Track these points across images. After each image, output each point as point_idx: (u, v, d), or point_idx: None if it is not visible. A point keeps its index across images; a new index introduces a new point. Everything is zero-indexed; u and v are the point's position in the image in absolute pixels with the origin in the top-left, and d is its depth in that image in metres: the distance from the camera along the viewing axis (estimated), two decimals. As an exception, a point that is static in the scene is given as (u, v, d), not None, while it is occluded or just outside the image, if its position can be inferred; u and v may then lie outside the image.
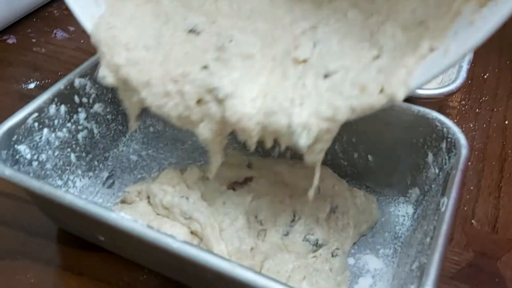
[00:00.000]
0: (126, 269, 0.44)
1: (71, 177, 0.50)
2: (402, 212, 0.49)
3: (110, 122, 0.54)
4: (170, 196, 0.45)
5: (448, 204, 0.37)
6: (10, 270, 0.45)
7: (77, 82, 0.49)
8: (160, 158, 0.56)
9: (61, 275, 0.45)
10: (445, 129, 0.43)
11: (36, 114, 0.45)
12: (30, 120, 0.45)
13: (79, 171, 0.51)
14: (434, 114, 0.44)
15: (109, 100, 0.54)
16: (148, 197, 0.47)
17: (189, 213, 0.44)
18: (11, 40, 0.75)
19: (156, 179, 0.48)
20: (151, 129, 0.59)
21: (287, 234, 0.43)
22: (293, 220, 0.43)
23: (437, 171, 0.44)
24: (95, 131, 0.52)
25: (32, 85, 0.67)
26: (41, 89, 0.66)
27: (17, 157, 0.44)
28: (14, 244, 0.47)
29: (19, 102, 0.63)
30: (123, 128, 0.56)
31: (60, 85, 0.48)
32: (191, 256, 0.34)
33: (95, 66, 0.50)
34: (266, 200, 0.44)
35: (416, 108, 0.45)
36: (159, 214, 0.46)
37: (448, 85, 0.50)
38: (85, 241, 0.46)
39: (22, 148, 0.45)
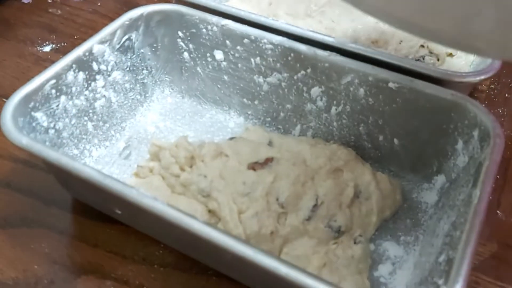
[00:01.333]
0: (141, 244, 0.44)
1: (88, 146, 0.49)
2: (426, 199, 0.47)
3: (128, 91, 0.53)
4: (187, 173, 0.44)
5: (481, 197, 0.35)
6: (25, 238, 0.44)
7: (96, 48, 0.47)
8: (178, 131, 0.54)
9: (75, 246, 0.44)
10: (479, 117, 0.41)
11: (54, 81, 0.44)
12: (47, 87, 0.44)
13: (96, 140, 0.50)
14: (469, 100, 0.42)
15: (128, 69, 0.52)
16: (162, 170, 0.46)
17: (207, 191, 0.43)
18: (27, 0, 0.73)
19: (167, 150, 0.46)
20: (169, 99, 0.57)
21: (308, 219, 0.41)
22: (315, 205, 0.42)
23: (466, 159, 0.42)
24: (113, 99, 0.51)
25: (47, 48, 0.65)
26: (57, 52, 0.64)
27: (33, 124, 0.43)
28: (30, 212, 0.46)
29: (34, 65, 0.62)
30: (141, 98, 0.55)
31: (79, 51, 0.46)
32: (212, 238, 0.33)
33: (114, 32, 0.49)
34: (287, 182, 0.43)
35: (449, 92, 0.43)
36: (174, 191, 0.44)
37: (481, 69, 0.48)
38: (100, 213, 0.45)
39: (39, 115, 0.43)
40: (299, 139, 0.49)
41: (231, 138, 0.49)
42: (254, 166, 0.44)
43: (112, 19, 0.50)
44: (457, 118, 0.43)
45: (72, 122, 0.47)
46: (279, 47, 0.48)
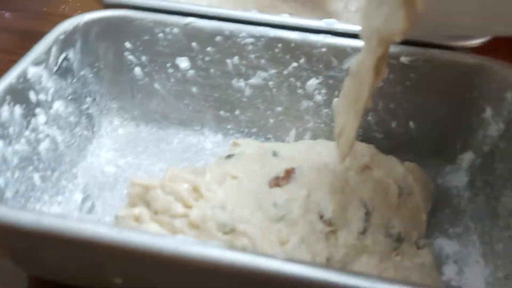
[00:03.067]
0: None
1: (38, 206, 0.36)
2: (454, 182, 0.42)
3: (74, 126, 0.41)
4: (198, 208, 0.34)
5: None
6: None
7: (31, 72, 0.35)
8: (145, 165, 0.43)
9: None
10: (510, 76, 0.37)
11: (-16, 121, 0.31)
12: (-23, 131, 0.31)
13: (46, 197, 0.37)
14: (493, 60, 0.38)
15: (70, 97, 0.40)
16: (155, 215, 0.35)
17: (230, 225, 0.33)
18: None
19: (159, 188, 0.36)
20: (121, 131, 0.46)
21: (364, 232, 0.33)
22: (367, 213, 0.34)
23: (502, 126, 0.38)
24: (59, 139, 0.39)
25: None
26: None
27: (-34, 186, 0.29)
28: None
29: None
30: (89, 133, 0.43)
31: (11, 77, 0.34)
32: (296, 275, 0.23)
33: (49, 50, 0.37)
34: (325, 192, 0.34)
35: (469, 56, 0.38)
36: (179, 235, 0.34)
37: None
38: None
39: (-28, 171, 0.30)
40: (306, 144, 0.41)
41: (229, 156, 0.39)
42: (277, 182, 0.35)
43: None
44: (481, 83, 0.39)
45: (15, 176, 0.34)
46: (262, 39, 0.40)
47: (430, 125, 0.41)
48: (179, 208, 0.34)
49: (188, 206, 0.34)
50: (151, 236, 0.24)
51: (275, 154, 0.39)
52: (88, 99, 0.42)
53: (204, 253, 0.23)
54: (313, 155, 0.39)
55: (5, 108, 0.33)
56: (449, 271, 0.36)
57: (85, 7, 0.65)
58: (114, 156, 0.44)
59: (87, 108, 0.42)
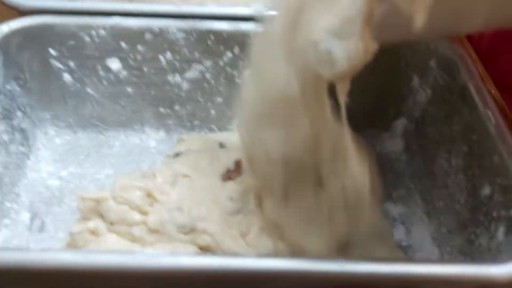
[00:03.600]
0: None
1: (-16, 234, 0.35)
2: (391, 147, 0.45)
3: (9, 144, 0.39)
4: (155, 213, 0.34)
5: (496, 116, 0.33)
6: None
7: (-45, 93, 0.33)
8: (91, 174, 0.42)
9: None
10: (432, 44, 0.39)
11: None
12: None
13: (-9, 223, 0.36)
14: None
15: (1, 115, 0.38)
16: (112, 225, 0.35)
17: (189, 225, 0.33)
18: None
19: (111, 199, 0.35)
20: (58, 140, 0.44)
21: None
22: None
23: (429, 92, 0.41)
24: (-5, 161, 0.37)
25: None
26: None
27: None
28: None
29: None
30: (25, 149, 0.41)
31: None
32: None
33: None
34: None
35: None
36: (143, 243, 0.34)
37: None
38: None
39: None
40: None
41: (176, 155, 0.39)
42: (229, 175, 0.36)
43: None
44: (406, 53, 0.41)
45: (-45, 209, 0.32)
46: (193, 33, 0.40)
47: (363, 97, 0.43)
48: (136, 216, 0.34)
49: (144, 213, 0.34)
50: (120, 254, 0.24)
51: (222, 145, 0.40)
52: (19, 113, 0.40)
53: (177, 262, 0.24)
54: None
55: None
56: (398, 233, 0.39)
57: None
58: (56, 168, 0.42)
59: (19, 123, 0.40)
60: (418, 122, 0.42)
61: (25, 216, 0.38)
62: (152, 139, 0.45)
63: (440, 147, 0.39)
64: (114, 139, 0.45)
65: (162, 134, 0.45)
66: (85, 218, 0.36)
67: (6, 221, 0.37)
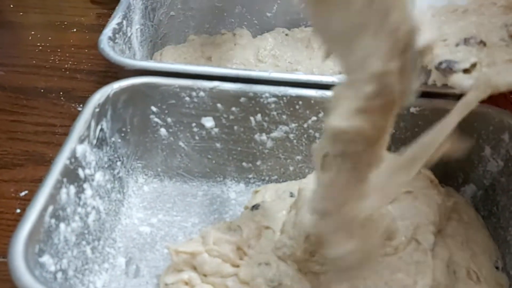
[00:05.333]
0: None
1: (91, 278, 0.37)
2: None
3: (110, 192, 0.42)
4: (245, 266, 0.36)
5: None
6: None
7: (80, 150, 0.37)
8: (178, 222, 0.45)
9: None
10: (506, 120, 0.42)
11: (51, 207, 0.32)
12: (47, 218, 0.32)
13: (96, 267, 0.38)
14: (490, 107, 0.43)
15: (106, 166, 0.41)
16: (206, 277, 0.37)
17: (277, 279, 0.36)
18: None
19: (205, 247, 0.38)
20: (146, 188, 0.47)
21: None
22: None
23: (501, 163, 0.43)
24: (101, 208, 0.40)
25: None
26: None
27: (44, 274, 0.31)
28: None
29: None
30: (121, 196, 0.44)
31: (63, 159, 0.35)
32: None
33: (89, 125, 0.39)
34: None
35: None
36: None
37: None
38: None
39: (46, 259, 0.31)
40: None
41: (254, 207, 0.42)
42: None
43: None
44: (480, 127, 0.44)
45: (74, 254, 0.35)
46: (284, 98, 0.43)
47: (436, 164, 0.46)
48: (228, 269, 0.36)
49: (235, 265, 0.36)
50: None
51: (292, 195, 0.42)
52: (118, 163, 0.44)
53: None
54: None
55: (64, 191, 0.34)
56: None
57: (75, 57, 0.66)
58: (145, 215, 0.45)
59: (118, 172, 0.44)
60: (488, 190, 0.45)
61: (121, 260, 0.41)
62: (232, 191, 0.48)
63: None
64: (196, 189, 0.48)
65: (241, 186, 0.48)
66: (176, 269, 0.38)
67: (106, 265, 0.40)
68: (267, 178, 0.48)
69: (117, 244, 0.42)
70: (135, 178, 0.47)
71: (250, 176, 0.48)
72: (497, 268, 0.41)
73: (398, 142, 0.45)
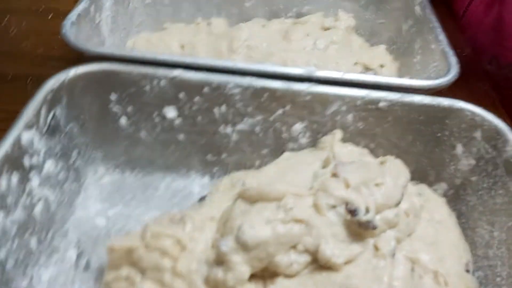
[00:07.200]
0: None
1: (36, 269, 0.36)
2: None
3: (63, 182, 0.40)
4: (184, 259, 0.34)
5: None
6: None
7: (25, 137, 0.35)
8: (136, 215, 0.43)
9: None
10: (479, 117, 0.41)
11: (-14, 196, 0.31)
12: (-19, 207, 0.30)
13: (43, 259, 0.37)
14: (464, 103, 0.41)
15: (58, 155, 0.40)
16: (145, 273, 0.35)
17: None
18: None
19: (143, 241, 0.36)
20: (106, 179, 0.45)
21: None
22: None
23: (473, 161, 0.42)
24: (51, 198, 0.38)
25: None
26: None
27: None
28: None
29: None
30: (76, 187, 0.42)
31: (6, 146, 0.33)
32: None
33: (38, 111, 0.37)
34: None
35: (445, 99, 0.41)
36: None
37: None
38: None
39: (-22, 251, 0.30)
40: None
41: (202, 198, 0.40)
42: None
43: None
44: (452, 124, 0.42)
45: (15, 246, 0.33)
46: (249, 89, 0.42)
47: (407, 160, 0.44)
48: (167, 263, 0.34)
49: (174, 258, 0.34)
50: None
51: (244, 184, 0.40)
52: (74, 153, 0.42)
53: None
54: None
55: (4, 178, 0.32)
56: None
57: (48, 44, 0.64)
58: (103, 207, 0.43)
59: (74, 162, 0.42)
60: (458, 189, 0.43)
61: (72, 253, 0.39)
62: (196, 184, 0.46)
63: (482, 217, 0.40)
64: (159, 182, 0.46)
65: (206, 180, 0.46)
66: (114, 266, 0.36)
67: (55, 258, 0.38)
68: (231, 172, 0.46)
69: (69, 236, 0.40)
70: (94, 168, 0.45)
71: (215, 169, 0.46)
72: (468, 271, 0.39)
73: (367, 138, 0.43)
